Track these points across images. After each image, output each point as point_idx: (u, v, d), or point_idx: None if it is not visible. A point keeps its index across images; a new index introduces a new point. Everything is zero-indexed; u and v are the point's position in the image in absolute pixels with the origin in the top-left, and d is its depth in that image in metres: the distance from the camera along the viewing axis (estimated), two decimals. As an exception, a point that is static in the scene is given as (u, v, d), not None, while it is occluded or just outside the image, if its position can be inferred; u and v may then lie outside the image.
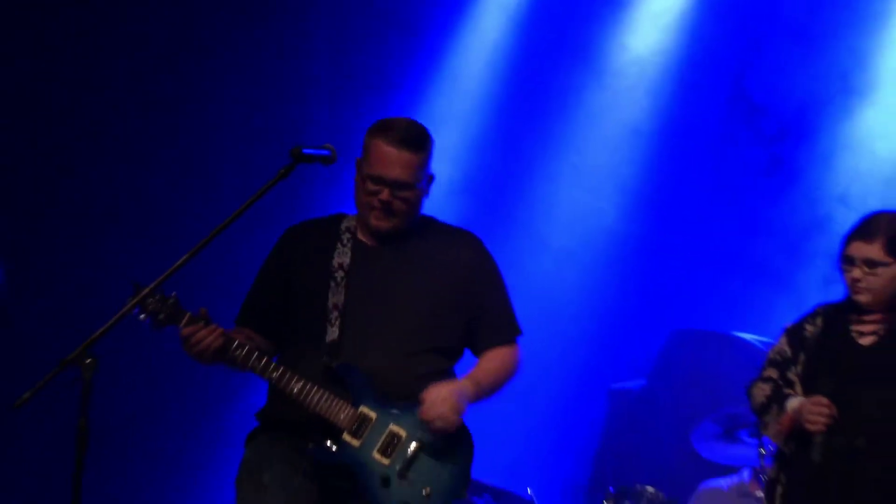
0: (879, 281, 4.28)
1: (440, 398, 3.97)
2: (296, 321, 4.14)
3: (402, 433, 4.02)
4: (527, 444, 7.49)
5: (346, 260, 4.12)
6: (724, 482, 6.44)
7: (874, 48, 7.34)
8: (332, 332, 4.04)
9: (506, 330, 4.23)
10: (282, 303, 4.15)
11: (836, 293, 4.53)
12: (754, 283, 7.47)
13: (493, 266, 4.25)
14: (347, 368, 4.02)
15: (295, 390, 3.99)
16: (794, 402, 4.32)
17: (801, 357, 4.39)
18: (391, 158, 4.03)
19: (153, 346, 5.54)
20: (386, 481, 3.98)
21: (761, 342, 7.07)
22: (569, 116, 7.74)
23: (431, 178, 4.16)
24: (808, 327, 4.42)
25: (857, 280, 4.31)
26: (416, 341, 4.08)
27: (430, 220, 4.25)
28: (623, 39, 7.75)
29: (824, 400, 4.22)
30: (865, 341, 4.35)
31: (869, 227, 4.33)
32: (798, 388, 4.38)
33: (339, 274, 4.10)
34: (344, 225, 4.20)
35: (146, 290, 3.80)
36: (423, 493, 3.99)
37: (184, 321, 3.95)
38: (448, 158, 7.52)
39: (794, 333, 4.45)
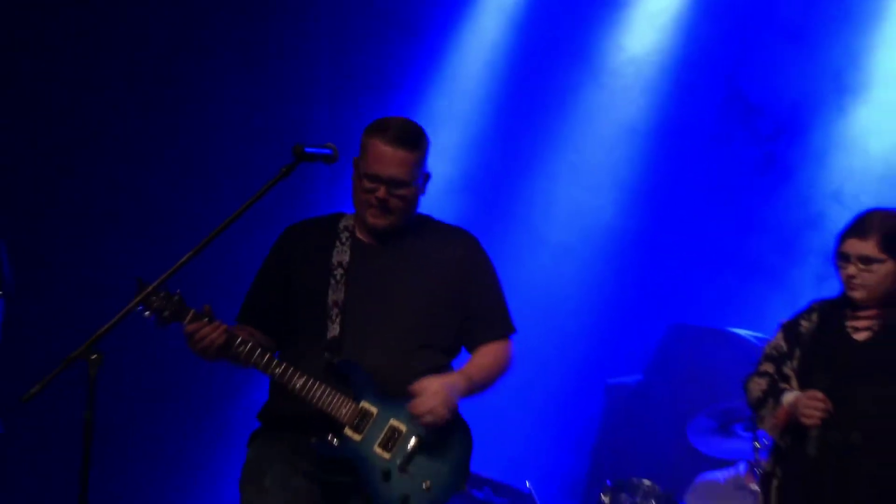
0: (874, 277, 4.29)
1: (431, 392, 3.99)
2: (296, 318, 4.14)
3: (403, 428, 4.03)
4: (525, 438, 7.49)
5: (346, 258, 4.13)
6: (720, 475, 6.44)
7: (867, 47, 7.33)
8: (333, 329, 4.05)
9: (499, 326, 4.23)
10: (282, 300, 4.15)
11: (830, 290, 4.53)
12: (749, 280, 7.47)
13: (487, 264, 4.25)
14: (349, 364, 4.02)
15: (298, 386, 3.99)
16: (789, 397, 4.32)
17: (797, 352, 4.40)
18: (387, 157, 4.04)
19: (157, 343, 5.53)
20: (387, 475, 3.99)
21: (756, 338, 7.07)
22: (567, 115, 7.74)
23: (427, 176, 4.16)
24: (804, 323, 4.43)
25: (851, 276, 4.31)
26: (414, 339, 4.09)
27: (427, 219, 4.25)
28: (620, 40, 7.75)
29: (819, 394, 4.23)
30: (860, 337, 4.35)
31: (863, 224, 4.33)
32: (794, 382, 4.38)
33: (339, 272, 4.10)
34: (342, 224, 4.21)
35: (151, 287, 3.81)
36: (424, 486, 4.01)
37: (188, 318, 3.95)
38: (448, 157, 7.54)
39: (790, 329, 4.46)
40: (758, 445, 5.92)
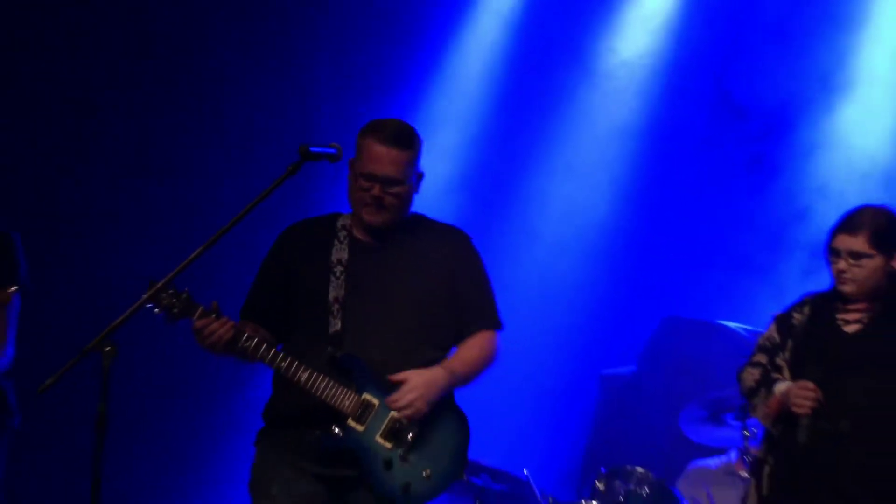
0: (863, 272, 4.28)
1: (411, 387, 4.00)
2: (297, 314, 4.15)
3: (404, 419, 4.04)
4: (523, 427, 7.49)
5: (345, 256, 4.14)
6: (712, 462, 6.46)
7: (851, 48, 7.34)
8: (335, 324, 4.06)
9: (483, 319, 4.22)
10: (283, 298, 4.16)
11: (815, 283, 4.54)
12: (738, 274, 7.48)
13: (475, 259, 4.25)
14: (351, 358, 4.03)
15: (303, 379, 3.99)
16: (781, 386, 4.32)
17: (789, 343, 4.40)
18: (382, 156, 4.05)
19: (166, 339, 5.49)
20: (388, 464, 4.01)
21: (745, 330, 7.08)
22: (561, 116, 7.75)
23: (421, 175, 4.17)
24: (796, 315, 4.43)
25: (842, 271, 4.31)
26: (411, 335, 4.10)
27: (421, 218, 4.26)
28: (612, 43, 7.76)
29: (810, 384, 4.22)
30: (850, 329, 4.35)
31: (854, 220, 4.33)
32: (786, 372, 4.38)
33: (339, 269, 4.11)
34: (340, 223, 4.22)
35: (161, 283, 3.81)
36: (424, 474, 4.03)
37: (197, 314, 3.95)
38: (447, 156, 7.53)
39: (783, 321, 4.45)
40: (747, 434, 5.92)
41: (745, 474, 5.94)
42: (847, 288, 4.31)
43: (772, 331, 4.46)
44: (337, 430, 3.99)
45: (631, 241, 7.65)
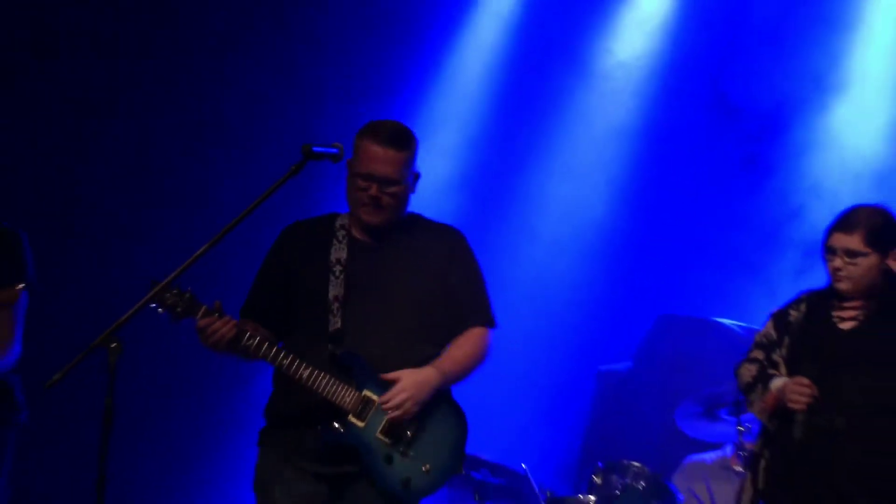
0: (858, 270, 4.27)
1: (402, 388, 4.00)
2: (297, 314, 4.15)
3: (404, 415, 4.05)
4: (521, 422, 7.49)
5: (344, 255, 4.14)
6: (708, 456, 6.47)
7: (844, 48, 7.34)
8: (335, 323, 4.06)
9: (475, 317, 4.22)
10: (283, 297, 4.16)
11: (808, 281, 4.53)
12: (732, 272, 7.49)
13: (469, 258, 4.25)
14: (351, 355, 4.03)
15: (304, 376, 3.99)
16: (777, 382, 4.32)
17: (786, 340, 4.39)
18: (378, 156, 4.06)
19: (170, 337, 5.47)
20: (389, 459, 4.01)
21: (739, 327, 7.09)
22: (559, 117, 7.74)
23: (417, 175, 4.17)
24: (793, 312, 4.42)
25: (838, 269, 4.30)
26: (410, 334, 4.11)
27: (418, 217, 4.26)
28: (609, 45, 7.77)
29: (806, 381, 4.21)
30: (846, 326, 4.34)
31: (850, 219, 4.31)
32: (783, 369, 4.38)
33: (338, 268, 4.11)
34: (338, 223, 4.22)
35: (164, 282, 3.82)
36: (423, 469, 4.03)
37: (200, 314, 3.94)
38: (447, 156, 7.52)
39: (780, 318, 4.45)
40: (742, 429, 5.91)
41: (739, 468, 5.94)
42: (843, 286, 4.29)
43: (769, 327, 4.45)
44: (338, 426, 3.99)
45: (627, 240, 7.65)
